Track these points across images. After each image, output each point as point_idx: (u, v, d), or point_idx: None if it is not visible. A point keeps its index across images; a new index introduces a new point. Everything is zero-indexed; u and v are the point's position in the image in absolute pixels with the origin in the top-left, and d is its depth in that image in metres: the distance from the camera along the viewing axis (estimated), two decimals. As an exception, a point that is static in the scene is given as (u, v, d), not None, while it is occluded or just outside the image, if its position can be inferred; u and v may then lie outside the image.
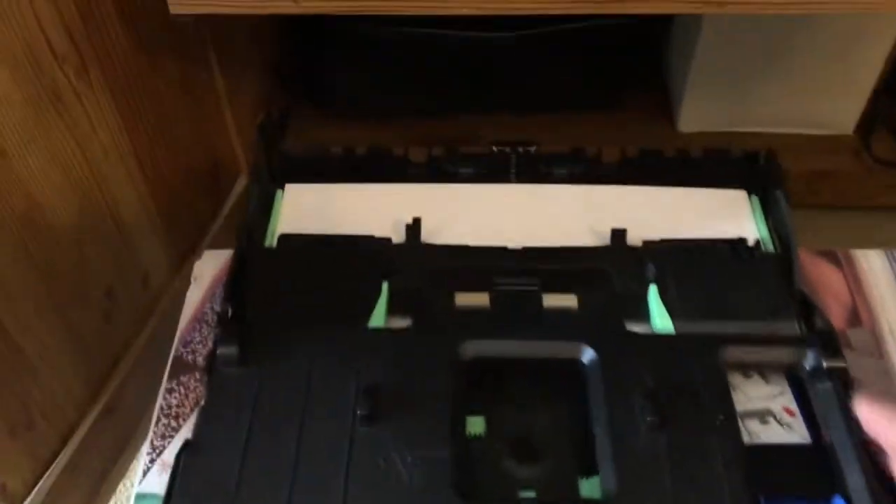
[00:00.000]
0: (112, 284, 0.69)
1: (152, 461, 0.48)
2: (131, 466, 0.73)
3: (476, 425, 0.46)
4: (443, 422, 0.43)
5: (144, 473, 0.48)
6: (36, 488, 0.64)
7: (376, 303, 0.52)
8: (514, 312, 0.51)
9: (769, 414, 0.49)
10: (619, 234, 0.55)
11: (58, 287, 0.63)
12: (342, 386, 0.45)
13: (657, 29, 0.98)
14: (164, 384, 0.52)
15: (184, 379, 0.52)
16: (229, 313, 0.49)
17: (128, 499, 0.71)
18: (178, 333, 0.54)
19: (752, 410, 0.49)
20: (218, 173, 0.83)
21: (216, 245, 0.82)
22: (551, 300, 0.52)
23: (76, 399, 0.68)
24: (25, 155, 0.57)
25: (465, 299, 0.52)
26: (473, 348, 0.47)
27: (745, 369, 0.50)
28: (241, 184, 0.86)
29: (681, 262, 0.54)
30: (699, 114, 0.93)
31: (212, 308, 0.55)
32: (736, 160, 0.60)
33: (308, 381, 0.46)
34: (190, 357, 0.52)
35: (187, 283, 0.57)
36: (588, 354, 0.47)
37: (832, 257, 0.58)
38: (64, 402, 0.66)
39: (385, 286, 0.53)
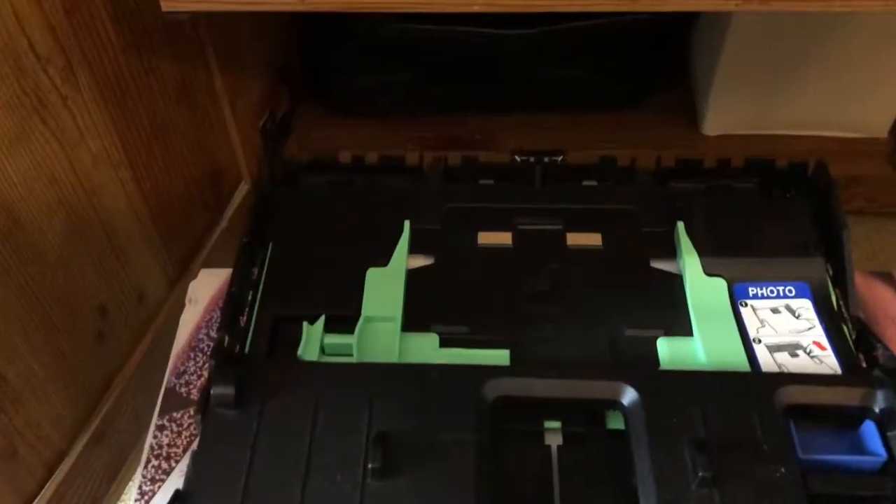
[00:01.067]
0: (105, 302, 0.65)
1: (141, 509, 0.43)
2: (123, 496, 0.68)
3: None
4: (468, 475, 0.38)
5: (132, 524, 0.43)
6: (20, 522, 0.60)
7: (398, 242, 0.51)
8: (538, 251, 0.51)
9: (799, 347, 0.46)
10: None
11: (44, 307, 0.58)
12: (351, 432, 0.40)
13: (682, 27, 0.93)
14: (155, 420, 0.47)
15: (176, 415, 0.47)
16: (225, 343, 0.44)
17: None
18: (170, 362, 0.49)
19: (781, 343, 0.46)
20: (218, 180, 0.79)
21: (216, 256, 0.78)
22: (575, 239, 0.51)
23: (64, 425, 0.63)
24: (5, 166, 0.52)
25: (487, 238, 0.51)
26: (500, 387, 0.42)
27: (775, 310, 0.47)
28: (242, 191, 0.81)
29: (709, 199, 0.52)
30: (725, 116, 0.88)
31: (207, 334, 0.50)
32: (781, 170, 0.55)
33: (313, 424, 0.41)
34: (183, 390, 0.47)
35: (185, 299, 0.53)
36: (629, 395, 0.42)
37: (888, 279, 0.53)
38: (50, 428, 0.62)
39: (407, 224, 0.51)
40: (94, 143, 0.60)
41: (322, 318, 0.47)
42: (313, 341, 0.46)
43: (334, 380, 0.42)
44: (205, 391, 0.42)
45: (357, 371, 0.43)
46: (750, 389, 0.42)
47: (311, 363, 0.45)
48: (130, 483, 0.68)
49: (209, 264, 0.75)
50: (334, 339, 0.46)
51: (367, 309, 0.47)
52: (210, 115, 0.76)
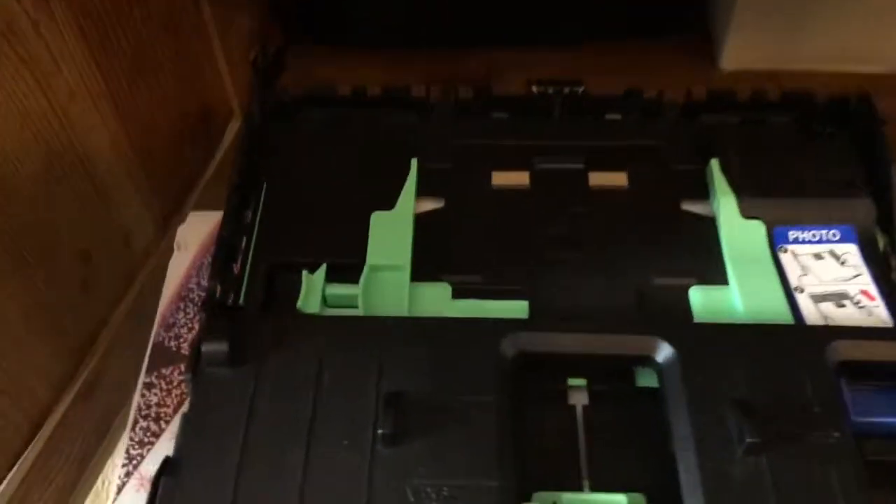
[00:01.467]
0: (88, 247, 0.61)
1: (128, 474, 0.40)
2: (114, 452, 0.65)
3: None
4: (487, 441, 0.35)
5: (119, 490, 0.39)
6: (5, 481, 0.57)
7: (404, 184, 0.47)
8: (557, 193, 0.47)
9: (845, 297, 0.42)
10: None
11: (23, 252, 0.54)
12: (359, 393, 0.36)
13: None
14: (142, 377, 0.43)
15: (165, 371, 0.43)
16: (217, 293, 0.40)
17: (108, 490, 0.63)
18: (158, 313, 0.45)
19: (826, 293, 0.42)
20: (208, 117, 0.74)
21: (208, 198, 0.73)
22: (598, 179, 0.47)
23: (49, 379, 0.59)
24: (-26, 97, 0.47)
25: (502, 179, 0.47)
26: (519, 343, 0.38)
27: (818, 256, 0.43)
28: (233, 129, 0.76)
29: (743, 134, 0.48)
30: (744, 50, 0.83)
31: (198, 283, 0.46)
32: (821, 104, 0.51)
33: (316, 384, 0.37)
34: (173, 344, 0.43)
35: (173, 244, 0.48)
36: (664, 351, 0.38)
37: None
38: (35, 382, 0.58)
39: (414, 163, 0.46)
40: (71, 73, 0.55)
41: (323, 267, 0.43)
42: (314, 292, 0.41)
43: (339, 335, 0.38)
44: (195, 347, 0.38)
45: (364, 325, 0.39)
46: (796, 344, 0.38)
47: (313, 316, 0.41)
48: (119, 443, 0.65)
49: (200, 207, 0.70)
50: (337, 290, 0.42)
51: (372, 257, 0.43)
52: (198, 48, 0.70)
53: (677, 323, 0.40)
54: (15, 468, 0.57)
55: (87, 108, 0.57)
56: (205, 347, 0.37)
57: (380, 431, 0.35)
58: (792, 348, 0.38)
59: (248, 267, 0.43)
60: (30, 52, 0.51)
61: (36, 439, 0.59)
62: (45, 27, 0.52)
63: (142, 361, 0.66)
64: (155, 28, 0.63)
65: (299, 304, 0.41)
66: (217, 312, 0.39)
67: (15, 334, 0.55)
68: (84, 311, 0.62)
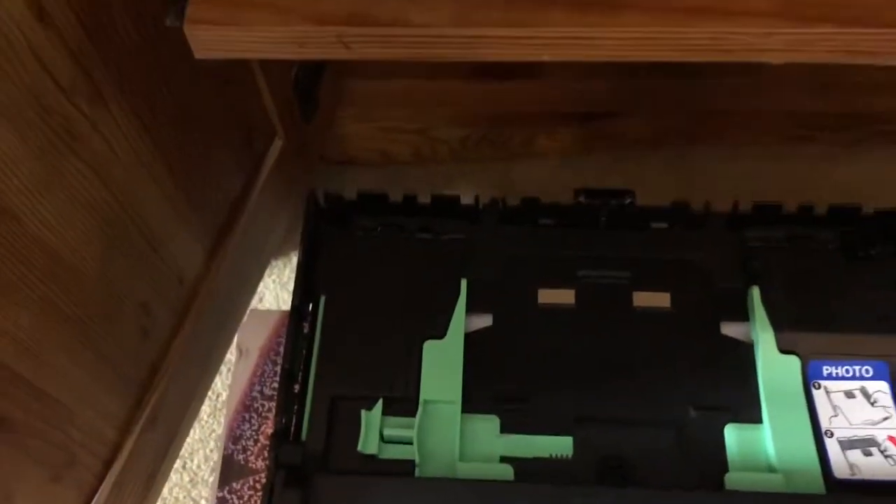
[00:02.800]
0: (147, 298, 0.64)
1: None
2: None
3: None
4: None
5: None
6: (86, 514, 0.62)
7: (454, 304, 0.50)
8: (602, 312, 0.50)
9: (873, 444, 0.45)
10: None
11: (90, 325, 0.57)
12: None
13: None
14: (216, 492, 0.47)
15: (236, 486, 0.47)
16: (287, 432, 0.44)
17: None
18: (225, 426, 0.49)
19: (854, 439, 0.45)
20: (251, 140, 0.75)
21: (258, 218, 0.75)
22: (642, 299, 0.50)
23: (116, 420, 0.64)
24: (41, 210, 0.49)
25: (548, 297, 0.50)
26: None
27: (849, 394, 0.46)
28: (276, 147, 0.77)
29: (786, 258, 0.50)
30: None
31: (261, 392, 0.49)
32: (867, 218, 0.51)
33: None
34: (241, 457, 0.47)
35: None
36: None
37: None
38: (104, 427, 0.63)
39: (464, 285, 0.50)
40: (126, 154, 0.56)
41: (379, 403, 0.46)
42: (373, 432, 0.45)
43: (401, 498, 0.42)
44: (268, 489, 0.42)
45: (423, 489, 0.43)
46: None
47: (375, 471, 0.44)
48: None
49: (251, 224, 0.73)
50: (394, 431, 0.45)
51: (425, 391, 0.46)
52: (239, 71, 0.70)
53: (714, 494, 0.43)
54: (94, 501, 0.63)
55: (141, 175, 0.59)
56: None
57: None
58: None
59: (309, 395, 0.46)
60: (89, 150, 0.52)
61: (109, 474, 0.64)
62: (101, 123, 0.53)
63: (198, 385, 0.71)
64: (200, 77, 0.63)
65: (360, 446, 0.45)
66: (287, 477, 0.42)
67: (85, 394, 0.59)
68: (145, 355, 0.66)
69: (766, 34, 0.41)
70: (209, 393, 0.86)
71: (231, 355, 0.60)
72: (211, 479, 0.48)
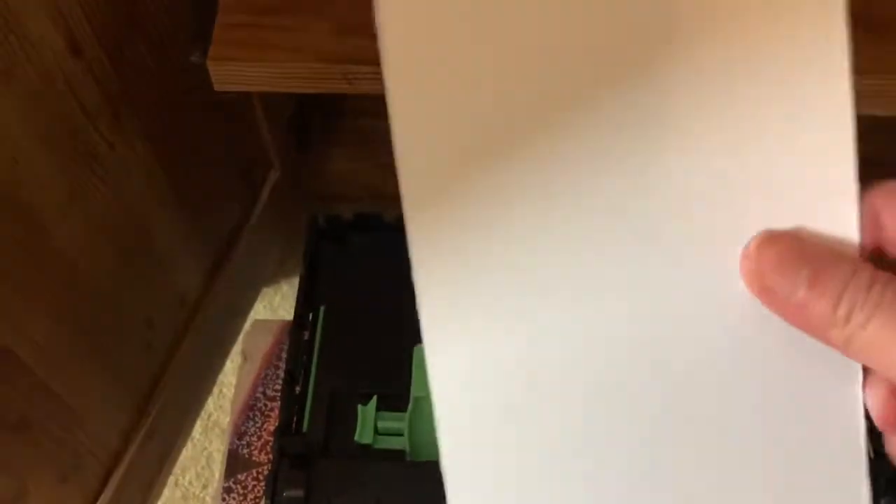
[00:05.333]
0: (151, 315, 0.68)
1: (216, 571, 0.49)
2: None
3: None
4: None
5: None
6: (87, 519, 0.66)
7: None
8: None
9: None
10: None
11: (101, 336, 0.61)
12: None
13: None
14: (221, 482, 0.52)
15: (241, 477, 0.51)
16: (292, 430, 0.49)
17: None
18: (230, 424, 0.53)
19: None
20: (249, 170, 0.80)
21: (252, 245, 0.80)
22: None
23: (120, 429, 0.68)
24: (65, 224, 0.54)
25: None
26: None
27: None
28: (272, 179, 0.82)
29: None
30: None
31: (264, 393, 0.54)
32: None
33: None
34: (245, 452, 0.52)
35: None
36: None
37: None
38: (108, 435, 0.66)
39: None
40: (140, 177, 0.61)
41: (374, 399, 0.51)
42: (368, 424, 0.49)
43: (394, 479, 0.47)
44: (272, 486, 0.46)
45: (414, 470, 0.47)
46: None
47: (371, 457, 0.49)
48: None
49: (247, 250, 0.78)
50: (387, 423, 0.50)
51: (415, 388, 0.51)
52: (240, 108, 0.76)
53: None
54: (96, 506, 0.66)
55: (151, 199, 0.64)
56: (286, 493, 0.46)
57: None
58: None
59: (309, 392, 0.51)
60: (106, 170, 0.57)
61: (111, 479, 0.68)
62: (119, 145, 0.58)
63: (197, 397, 0.74)
64: (207, 110, 0.68)
65: (357, 436, 0.49)
66: (293, 463, 0.47)
67: (94, 402, 0.63)
68: (147, 367, 0.70)
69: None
70: (202, 413, 0.90)
71: (232, 363, 0.64)
72: (217, 475, 0.52)
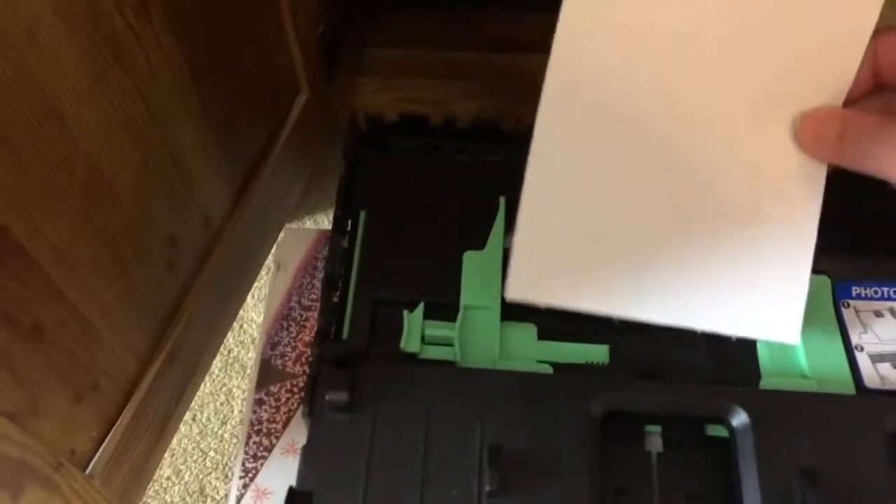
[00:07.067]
0: (175, 233, 0.64)
1: (245, 486, 0.45)
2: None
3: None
4: (583, 497, 0.39)
5: (238, 501, 0.44)
6: (103, 444, 0.62)
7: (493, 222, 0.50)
8: None
9: None
10: None
11: (122, 248, 0.57)
12: (464, 445, 0.41)
13: None
14: (253, 394, 0.48)
15: (273, 389, 0.47)
16: (331, 335, 0.44)
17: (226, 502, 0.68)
18: (263, 333, 0.49)
19: (884, 353, 0.46)
20: (277, 91, 0.76)
21: (280, 170, 0.76)
22: None
23: (139, 352, 0.64)
24: (85, 117, 0.50)
25: None
26: (608, 403, 0.42)
27: (878, 313, 0.47)
28: (300, 102, 0.78)
29: None
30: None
31: (299, 302, 0.50)
32: None
33: (426, 435, 0.41)
34: (279, 363, 0.48)
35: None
36: (738, 416, 0.42)
37: None
38: (126, 357, 0.63)
39: (502, 203, 0.50)
40: (166, 78, 0.57)
41: (421, 306, 0.46)
42: (415, 332, 0.45)
43: (444, 386, 0.42)
44: (310, 390, 0.42)
45: (466, 377, 0.43)
46: (858, 416, 0.42)
47: (419, 364, 0.45)
48: (235, 458, 0.71)
49: (273, 177, 0.74)
50: (435, 331, 0.46)
51: (465, 297, 0.47)
52: (272, 28, 0.72)
53: (750, 389, 0.44)
54: (111, 433, 0.63)
55: (178, 106, 0.60)
56: (328, 396, 0.42)
57: (486, 489, 0.39)
58: (853, 419, 0.42)
59: (350, 301, 0.47)
60: (133, 64, 0.53)
61: (128, 406, 0.64)
62: (145, 38, 0.53)
63: (218, 328, 0.71)
64: (237, 16, 0.64)
65: (402, 343, 0.45)
66: (337, 363, 0.43)
67: (112, 319, 0.59)
68: (169, 289, 0.66)
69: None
70: (221, 349, 0.86)
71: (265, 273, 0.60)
72: (248, 385, 0.48)
